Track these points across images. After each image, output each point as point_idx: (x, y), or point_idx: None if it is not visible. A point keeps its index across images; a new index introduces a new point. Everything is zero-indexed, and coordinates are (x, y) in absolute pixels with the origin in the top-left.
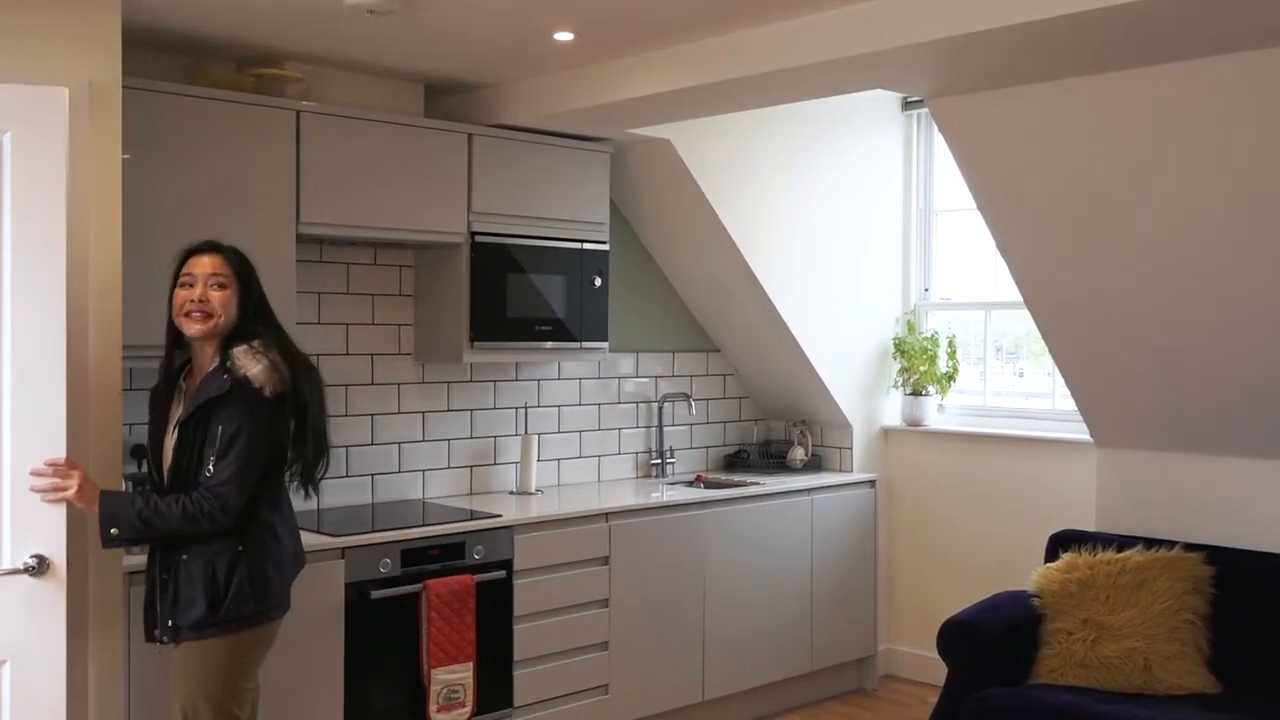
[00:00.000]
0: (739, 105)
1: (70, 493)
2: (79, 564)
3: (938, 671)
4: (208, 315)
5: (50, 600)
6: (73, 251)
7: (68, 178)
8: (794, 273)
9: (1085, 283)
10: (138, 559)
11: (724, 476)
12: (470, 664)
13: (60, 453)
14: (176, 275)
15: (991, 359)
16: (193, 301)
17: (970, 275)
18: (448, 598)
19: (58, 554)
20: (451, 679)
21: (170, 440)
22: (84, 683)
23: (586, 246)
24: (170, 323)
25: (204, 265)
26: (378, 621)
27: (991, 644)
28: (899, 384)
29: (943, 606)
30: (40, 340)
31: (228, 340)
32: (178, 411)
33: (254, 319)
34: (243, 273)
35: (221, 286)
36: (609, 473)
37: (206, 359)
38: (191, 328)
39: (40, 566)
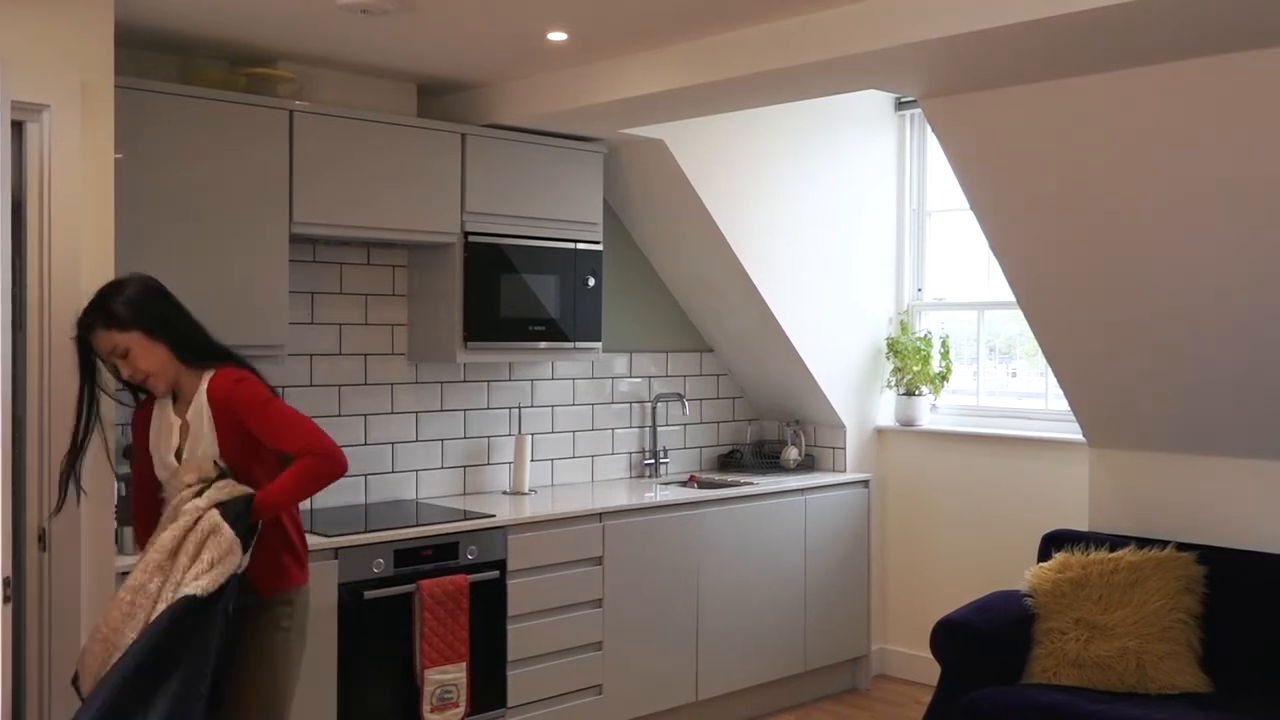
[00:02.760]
0: (732, 105)
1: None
2: (69, 543)
3: (931, 671)
4: (145, 378)
5: None
6: (65, 252)
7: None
8: (787, 273)
9: (1078, 283)
10: (128, 560)
11: (717, 476)
12: (464, 664)
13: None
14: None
15: (984, 359)
16: (127, 380)
17: (963, 275)
18: (441, 598)
19: None
20: (445, 679)
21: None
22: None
23: (580, 246)
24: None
25: (101, 347)
26: (371, 622)
27: (984, 643)
28: (892, 384)
29: (936, 606)
30: None
31: (188, 360)
32: (173, 437)
33: (185, 339)
34: (133, 321)
35: (125, 355)
36: (602, 473)
37: (186, 387)
38: (152, 391)
39: None
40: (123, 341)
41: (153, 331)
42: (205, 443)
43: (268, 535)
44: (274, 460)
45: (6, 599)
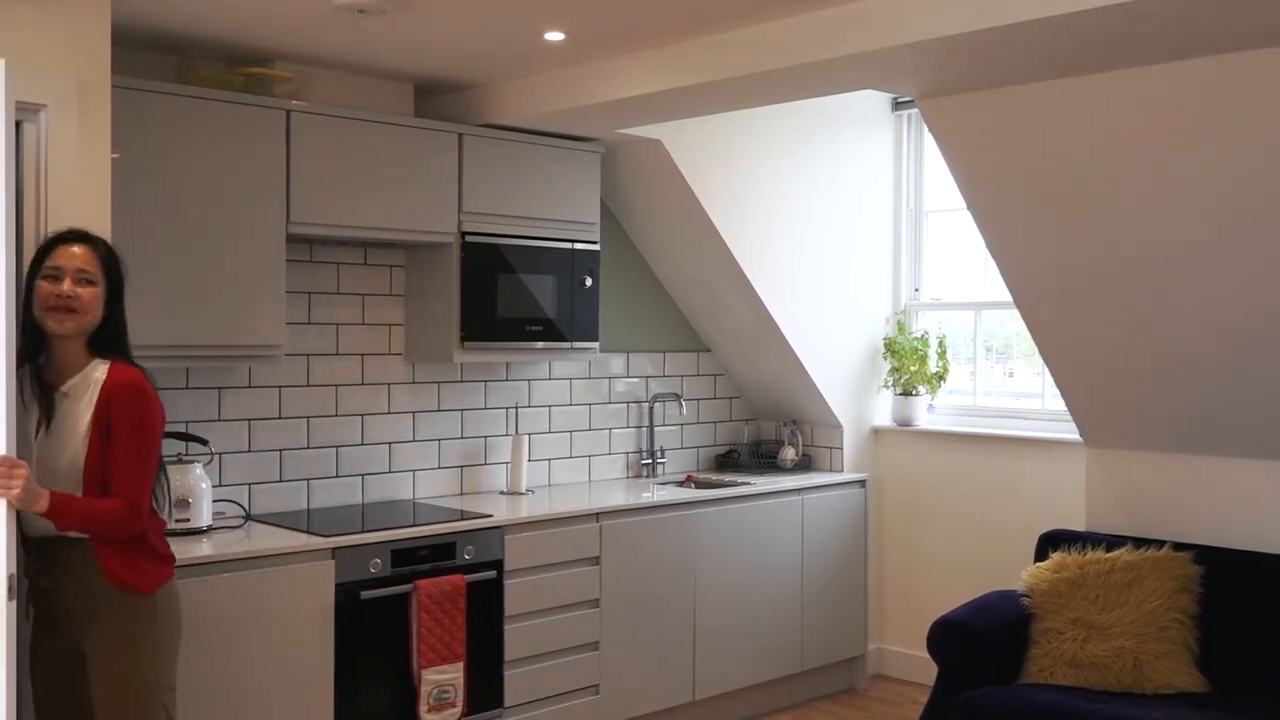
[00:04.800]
0: (730, 105)
1: (14, 493)
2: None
3: (928, 671)
4: (72, 311)
5: None
6: None
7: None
8: (785, 273)
9: (1074, 283)
10: None
11: (715, 476)
12: (461, 664)
13: (1, 448)
14: (39, 264)
15: (981, 359)
16: (58, 297)
17: (960, 275)
18: (438, 598)
19: None
20: (442, 679)
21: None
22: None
23: (577, 246)
24: (29, 319)
25: (73, 258)
26: (368, 622)
27: (981, 643)
28: (889, 384)
29: (933, 606)
30: None
31: (95, 343)
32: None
33: (117, 324)
34: (111, 271)
35: (90, 283)
36: (599, 473)
37: (71, 358)
38: (56, 324)
39: None
40: (96, 278)
41: (110, 290)
42: (71, 423)
43: (129, 541)
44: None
45: (11, 596)
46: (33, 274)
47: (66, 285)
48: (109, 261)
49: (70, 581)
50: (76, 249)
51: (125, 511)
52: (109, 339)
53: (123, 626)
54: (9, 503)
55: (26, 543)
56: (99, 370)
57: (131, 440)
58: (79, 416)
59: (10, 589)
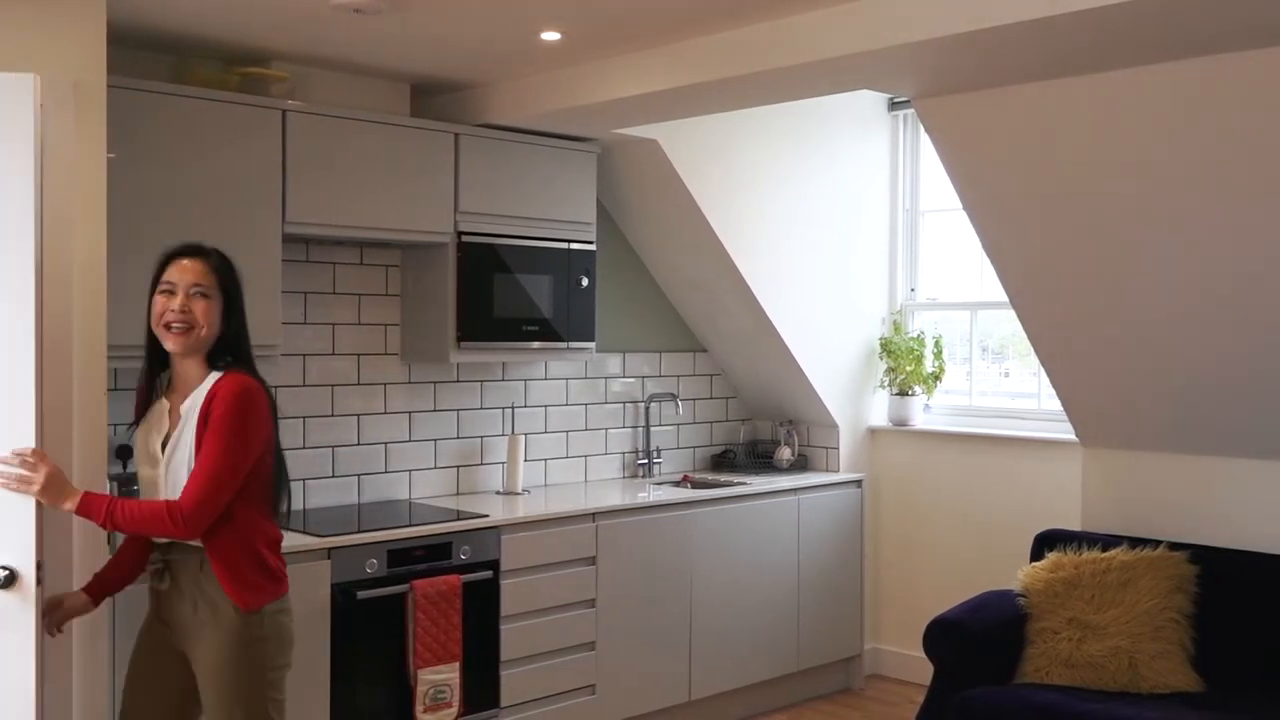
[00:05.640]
0: (726, 105)
1: (35, 487)
2: (60, 574)
3: (924, 671)
4: (189, 327)
5: (17, 616)
6: (57, 251)
7: (38, 166)
8: (781, 273)
9: (1071, 283)
10: None
11: (711, 476)
12: (456, 664)
13: (30, 444)
14: (157, 280)
15: (977, 359)
16: (173, 312)
17: (956, 275)
18: (434, 598)
19: (25, 565)
20: (438, 679)
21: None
22: (68, 705)
23: (573, 246)
24: (150, 330)
25: (186, 273)
26: (364, 622)
27: (977, 643)
28: (885, 384)
29: (929, 606)
30: (9, 330)
31: (214, 357)
32: (163, 423)
33: (237, 335)
34: (227, 282)
35: (204, 296)
36: (596, 473)
37: (190, 373)
38: (170, 342)
39: (5, 580)
40: (210, 290)
41: (226, 300)
42: (189, 435)
43: (237, 553)
44: (258, 489)
45: (39, 581)
46: (152, 290)
47: (179, 300)
48: (223, 272)
49: (183, 587)
50: (188, 262)
51: (164, 512)
52: (227, 351)
53: (227, 644)
54: (34, 497)
55: (150, 543)
56: (212, 381)
57: (212, 440)
58: (193, 429)
59: (39, 577)
